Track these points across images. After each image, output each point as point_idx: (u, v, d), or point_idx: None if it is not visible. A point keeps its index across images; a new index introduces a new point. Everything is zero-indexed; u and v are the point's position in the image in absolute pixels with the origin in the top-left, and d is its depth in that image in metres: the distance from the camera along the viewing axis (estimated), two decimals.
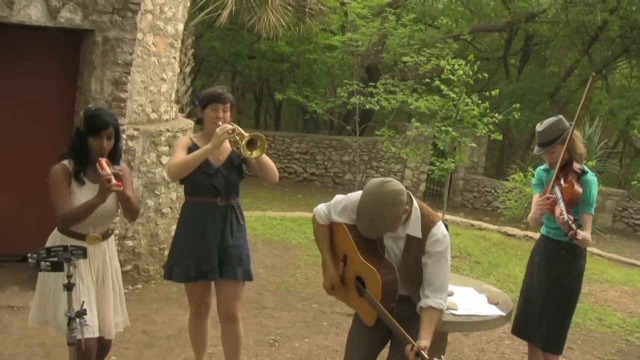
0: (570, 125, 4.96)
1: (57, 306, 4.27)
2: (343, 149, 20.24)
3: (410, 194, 3.93)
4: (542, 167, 5.30)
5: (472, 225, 13.45)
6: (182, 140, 4.93)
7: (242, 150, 4.64)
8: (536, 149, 5.15)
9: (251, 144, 4.64)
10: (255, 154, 4.67)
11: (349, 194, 4.23)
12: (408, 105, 16.22)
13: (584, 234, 4.74)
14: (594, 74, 6.15)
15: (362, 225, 3.83)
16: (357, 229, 4.06)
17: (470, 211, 18.69)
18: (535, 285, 5.16)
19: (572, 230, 4.58)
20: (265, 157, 4.78)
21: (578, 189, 4.85)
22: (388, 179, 3.87)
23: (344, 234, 4.19)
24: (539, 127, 5.07)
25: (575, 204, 4.86)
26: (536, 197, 5.16)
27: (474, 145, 14.14)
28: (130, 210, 4.43)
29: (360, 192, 4.01)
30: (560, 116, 5.09)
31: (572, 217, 4.64)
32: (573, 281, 5.07)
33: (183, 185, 4.93)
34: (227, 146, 4.90)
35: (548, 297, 5.06)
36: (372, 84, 17.19)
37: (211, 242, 4.80)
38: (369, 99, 16.59)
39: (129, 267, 7.35)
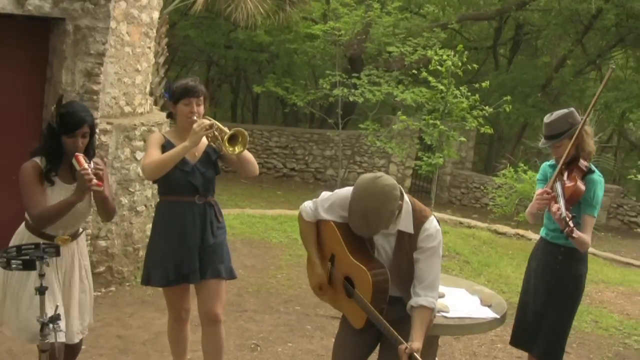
0: (582, 119, 4.84)
1: (18, 308, 4.22)
2: (325, 143, 20.26)
3: (401, 188, 3.95)
4: (548, 163, 5.17)
5: (461, 223, 13.50)
6: (154, 138, 4.86)
7: (223, 147, 4.63)
8: (542, 141, 5.04)
9: (232, 139, 4.62)
10: (237, 149, 4.64)
11: (336, 191, 4.24)
12: (394, 97, 16.27)
13: (582, 235, 4.64)
14: (612, 66, 6.12)
15: (355, 223, 3.83)
16: (345, 227, 4.07)
17: (458, 208, 18.78)
18: (531, 292, 5.07)
19: (569, 227, 4.44)
20: (246, 152, 4.76)
21: (581, 186, 4.74)
22: (380, 173, 3.89)
23: (332, 232, 4.21)
24: (547, 119, 4.96)
25: (576, 202, 4.76)
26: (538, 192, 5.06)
27: (463, 139, 14.24)
28: (107, 210, 4.39)
29: (349, 189, 4.02)
30: (572, 109, 4.98)
31: (570, 214, 4.52)
32: (571, 288, 4.97)
33: (157, 184, 4.89)
34: (203, 141, 4.85)
35: (545, 305, 4.96)
36: (356, 75, 17.23)
37: (191, 242, 4.77)
38: (352, 90, 16.63)
39: (102, 269, 7.33)
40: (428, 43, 17.02)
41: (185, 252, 4.77)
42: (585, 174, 4.84)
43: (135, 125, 7.49)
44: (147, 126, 7.64)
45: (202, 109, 4.80)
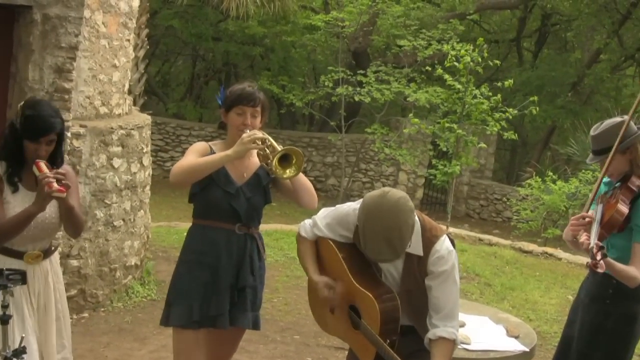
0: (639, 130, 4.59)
1: None
2: (326, 149, 20.23)
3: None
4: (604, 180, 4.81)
5: (480, 239, 13.46)
6: (197, 146, 4.64)
7: (273, 168, 4.34)
8: (590, 156, 4.83)
9: (284, 159, 4.35)
10: (289, 172, 4.38)
11: (337, 206, 4.21)
12: (404, 97, 16.24)
13: (626, 268, 4.39)
14: None
15: (375, 249, 3.74)
16: (348, 248, 4.05)
17: (477, 223, 18.75)
18: (577, 326, 4.82)
19: (594, 260, 4.07)
20: (301, 177, 4.54)
21: (622, 209, 4.46)
22: (386, 188, 3.85)
23: (332, 254, 4.18)
24: (594, 130, 4.73)
25: (614, 228, 4.50)
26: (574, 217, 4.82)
27: (483, 145, 14.15)
28: (73, 223, 4.32)
29: (351, 206, 4.02)
30: (626, 117, 4.65)
31: (599, 244, 4.18)
32: (622, 328, 4.64)
33: (193, 206, 4.70)
34: (254, 160, 4.65)
35: (590, 345, 4.70)
36: (362, 71, 17.20)
37: (225, 279, 4.55)
38: (357, 89, 16.60)
39: (73, 292, 7.28)
40: (443, 36, 17.01)
41: (216, 289, 4.54)
42: (637, 197, 4.55)
43: (112, 128, 7.46)
44: (125, 129, 7.61)
45: (257, 121, 4.61)
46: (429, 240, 3.91)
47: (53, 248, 4.45)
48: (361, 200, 3.87)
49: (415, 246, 3.91)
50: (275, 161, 4.29)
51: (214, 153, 4.54)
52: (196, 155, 4.50)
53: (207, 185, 4.49)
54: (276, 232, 11.62)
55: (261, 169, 4.64)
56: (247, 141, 4.34)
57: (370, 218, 3.74)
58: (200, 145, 4.64)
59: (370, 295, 3.89)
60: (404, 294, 3.97)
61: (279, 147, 4.36)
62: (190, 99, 24.86)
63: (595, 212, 4.52)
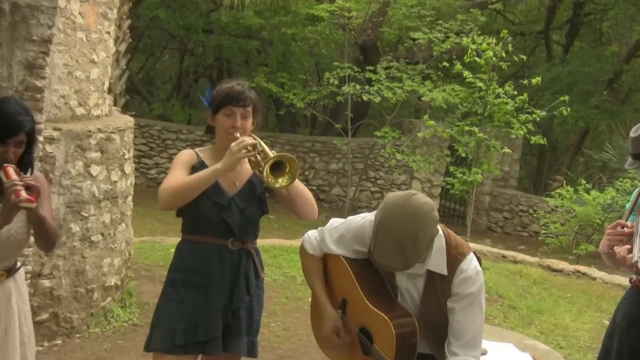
0: None
1: None
2: (330, 155, 20.24)
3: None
4: None
5: (504, 256, 13.45)
6: (183, 156, 4.64)
7: (264, 177, 4.32)
8: (628, 161, 4.77)
9: (277, 167, 4.34)
10: (281, 182, 4.38)
11: (349, 218, 4.22)
12: (418, 97, 16.25)
13: None
14: None
15: (384, 254, 3.75)
16: (361, 265, 4.05)
17: (500, 237, 18.73)
18: (613, 354, 4.74)
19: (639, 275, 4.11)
20: (298, 186, 4.55)
21: None
22: (412, 191, 3.86)
23: (343, 271, 4.18)
24: (634, 132, 4.67)
25: None
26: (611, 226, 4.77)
27: (507, 150, 14.18)
28: (45, 236, 4.28)
29: (365, 217, 4.03)
30: None
31: None
32: None
33: (182, 220, 4.68)
34: (246, 167, 4.66)
35: None
36: (371, 68, 17.21)
37: (215, 300, 4.52)
38: (365, 88, 16.60)
39: (44, 316, 7.26)
40: (463, 28, 17.03)
41: (205, 312, 4.52)
42: None
43: (90, 131, 7.45)
44: (105, 133, 7.60)
45: (248, 123, 4.62)
46: (454, 259, 3.92)
47: (18, 265, 4.39)
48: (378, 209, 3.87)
49: (439, 264, 3.92)
50: (266, 169, 4.27)
51: (202, 162, 4.56)
52: (183, 169, 4.51)
53: (196, 197, 4.46)
54: (274, 248, 11.60)
55: (255, 176, 4.64)
56: (237, 150, 4.33)
57: (386, 218, 3.74)
58: (186, 155, 4.64)
59: (385, 318, 3.89)
60: (422, 317, 3.98)
61: (272, 153, 4.34)
62: (177, 99, 24.89)
63: (636, 223, 4.45)
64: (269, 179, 4.30)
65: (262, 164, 4.34)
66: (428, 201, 3.77)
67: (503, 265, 12.54)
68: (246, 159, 4.49)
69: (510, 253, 13.75)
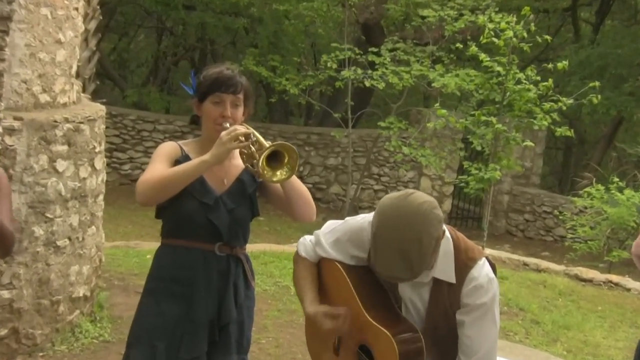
0: None
1: None
2: (328, 148, 20.28)
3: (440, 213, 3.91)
4: None
5: (525, 264, 13.48)
6: (165, 148, 4.62)
7: (260, 170, 4.26)
8: None
9: (274, 158, 4.28)
10: (280, 175, 4.33)
11: (347, 219, 4.21)
12: (429, 83, 16.25)
13: None
14: None
15: (386, 265, 3.71)
16: (360, 272, 4.04)
17: (521, 242, 18.75)
18: None
19: None
20: (295, 182, 4.52)
21: None
22: (410, 190, 3.84)
23: (339, 279, 4.17)
24: None
25: None
26: None
27: (529, 143, 14.18)
28: (1, 240, 4.30)
29: (365, 218, 4.00)
30: None
31: None
32: None
33: (161, 222, 4.66)
34: (236, 163, 4.65)
35: None
36: (374, 49, 17.22)
37: (202, 313, 4.52)
38: (368, 72, 16.60)
39: (3, 332, 7.25)
40: (478, 4, 17.03)
41: (189, 327, 4.51)
42: None
43: (55, 121, 7.45)
44: (73, 123, 7.60)
45: (239, 112, 4.62)
46: (464, 264, 3.90)
47: None
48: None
49: (447, 271, 3.90)
50: (262, 161, 4.20)
51: (186, 155, 4.54)
52: (165, 162, 4.48)
53: (179, 195, 4.42)
54: (264, 254, 11.61)
55: (245, 172, 4.62)
56: (227, 140, 4.29)
57: (383, 223, 3.72)
58: (168, 147, 4.61)
59: (387, 334, 3.88)
60: (429, 331, 3.97)
61: (267, 144, 4.29)
62: (154, 84, 24.94)
63: None
64: (266, 172, 4.25)
65: (257, 155, 4.28)
66: (428, 199, 3.74)
67: (524, 274, 12.56)
68: (237, 152, 4.48)
69: (532, 260, 13.78)
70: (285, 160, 4.28)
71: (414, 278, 3.77)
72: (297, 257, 4.36)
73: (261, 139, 4.34)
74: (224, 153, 4.33)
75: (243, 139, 4.32)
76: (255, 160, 4.32)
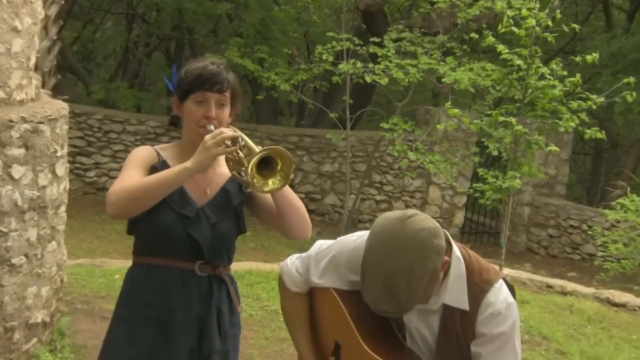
0: None
1: None
2: (323, 152, 20.31)
3: (448, 235, 3.89)
4: None
5: (549, 286, 13.50)
6: (139, 153, 4.58)
7: (249, 178, 4.16)
8: None
9: (265, 165, 4.19)
10: (272, 184, 4.23)
11: (340, 238, 4.21)
12: (439, 78, 16.27)
13: None
14: None
15: (372, 295, 3.72)
16: (356, 299, 4.03)
17: (544, 261, 18.79)
18: None
19: None
20: (288, 193, 4.46)
21: None
22: (411, 211, 3.81)
23: (334, 308, 4.17)
24: None
25: None
26: None
27: (554, 148, 14.17)
28: None
29: (362, 236, 3.98)
30: None
31: None
32: None
33: (134, 238, 4.63)
34: (220, 171, 4.65)
35: None
36: (376, 40, 17.23)
37: (181, 341, 4.48)
38: (369, 66, 16.62)
39: None
40: None
41: (165, 358, 4.48)
42: None
43: (11, 121, 7.44)
44: (31, 123, 7.58)
45: (225, 113, 4.59)
46: (478, 288, 3.88)
47: None
48: None
49: (458, 296, 3.89)
50: (252, 167, 4.11)
51: (164, 162, 4.50)
52: (139, 169, 4.43)
53: (155, 207, 4.36)
54: (250, 275, 11.62)
55: (231, 181, 4.59)
56: (212, 144, 4.22)
57: (374, 248, 3.72)
58: (143, 152, 4.56)
59: None
60: None
61: (257, 148, 4.20)
62: (123, 79, 24.95)
63: None
64: (256, 181, 4.16)
65: (246, 162, 4.20)
66: (429, 225, 3.70)
67: (548, 298, 12.57)
68: (223, 158, 4.45)
69: (557, 282, 13.80)
70: (278, 167, 4.19)
71: (401, 313, 3.80)
72: (283, 289, 4.34)
73: (250, 143, 4.26)
74: (208, 159, 4.25)
75: (230, 143, 4.26)
76: (243, 168, 4.27)
